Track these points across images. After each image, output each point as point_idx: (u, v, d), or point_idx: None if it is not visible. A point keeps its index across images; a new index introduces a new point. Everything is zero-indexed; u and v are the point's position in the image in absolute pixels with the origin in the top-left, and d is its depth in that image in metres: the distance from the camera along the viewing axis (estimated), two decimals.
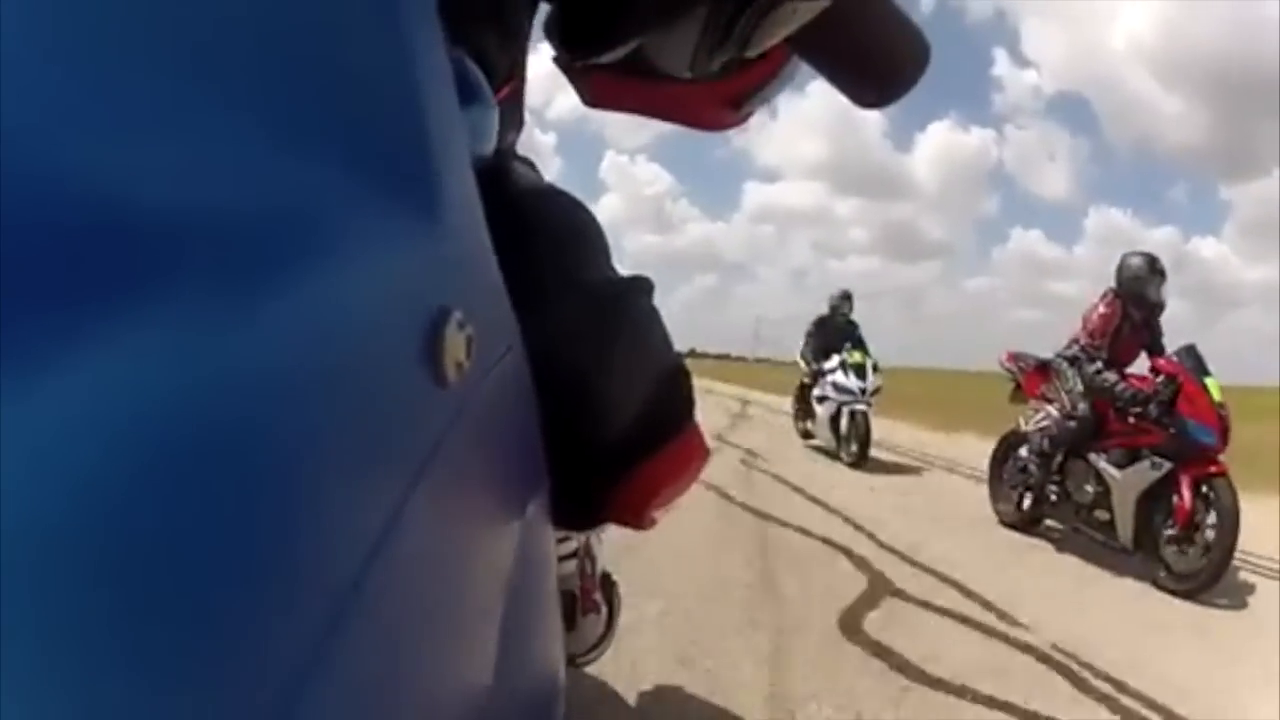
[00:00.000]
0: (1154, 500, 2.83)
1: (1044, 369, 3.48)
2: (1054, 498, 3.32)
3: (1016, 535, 3.44)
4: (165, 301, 0.12)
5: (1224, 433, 2.76)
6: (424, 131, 0.23)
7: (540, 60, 0.49)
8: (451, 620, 0.24)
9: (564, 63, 0.44)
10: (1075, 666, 1.96)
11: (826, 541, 3.14)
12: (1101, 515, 3.05)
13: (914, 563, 2.86)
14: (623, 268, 0.52)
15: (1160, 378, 2.94)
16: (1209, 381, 2.85)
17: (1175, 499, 2.75)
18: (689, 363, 0.56)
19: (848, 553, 2.98)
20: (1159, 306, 3.19)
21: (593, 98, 0.48)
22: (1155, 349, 3.17)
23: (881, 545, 3.12)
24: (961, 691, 1.79)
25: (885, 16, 0.42)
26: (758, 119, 0.52)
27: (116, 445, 0.11)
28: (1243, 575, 2.84)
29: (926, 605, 2.41)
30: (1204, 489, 2.70)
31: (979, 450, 4.54)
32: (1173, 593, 2.65)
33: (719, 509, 3.66)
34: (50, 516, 0.10)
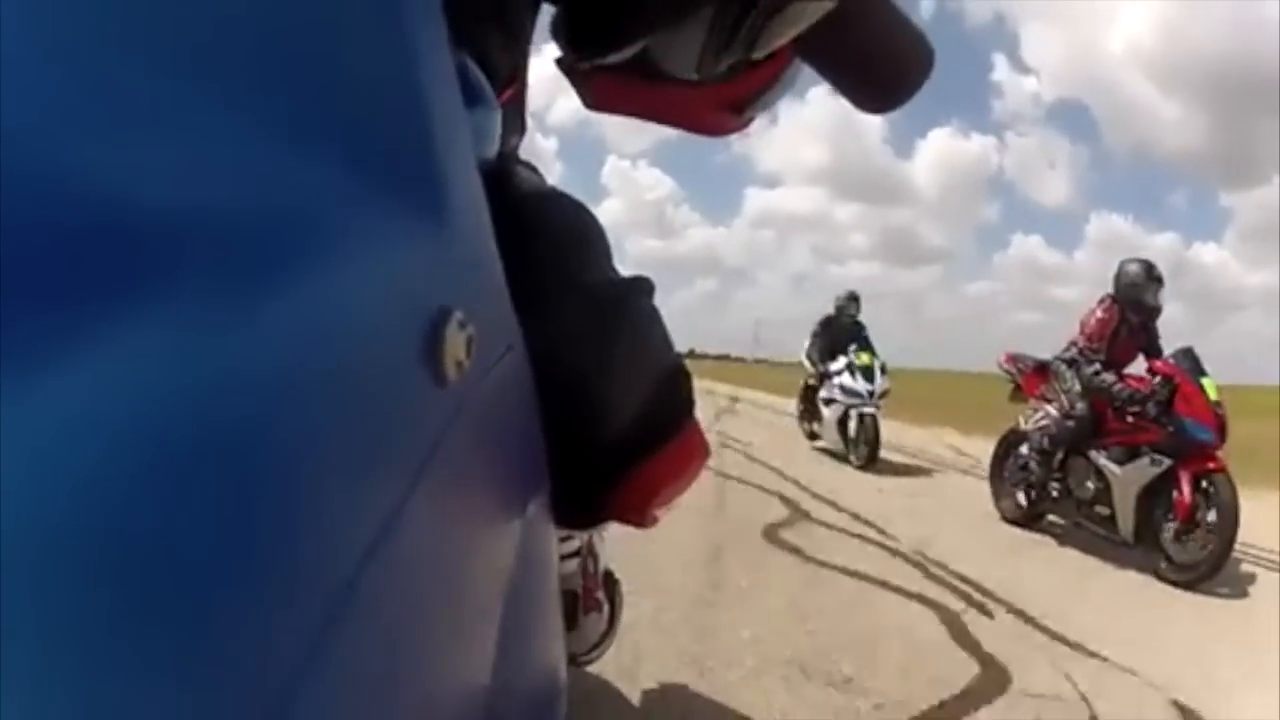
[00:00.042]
0: (1154, 495, 2.89)
1: (1042, 370, 3.52)
2: (1055, 494, 3.36)
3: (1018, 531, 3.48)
4: (165, 301, 0.12)
5: (1221, 430, 2.82)
6: (428, 132, 0.23)
7: (541, 64, 0.50)
8: (451, 620, 0.24)
9: (567, 64, 0.44)
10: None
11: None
12: (1102, 510, 3.09)
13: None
14: (625, 271, 0.52)
15: (1157, 378, 2.99)
16: (1205, 381, 2.90)
17: (1175, 494, 2.81)
18: (688, 363, 0.56)
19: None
20: (1156, 311, 3.23)
21: (595, 100, 0.48)
22: (1152, 353, 3.21)
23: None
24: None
25: (890, 21, 0.42)
26: (759, 124, 0.52)
27: (116, 445, 0.11)
28: (1244, 566, 2.89)
29: None
30: (1203, 484, 2.75)
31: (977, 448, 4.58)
32: (1174, 583, 2.71)
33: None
34: (50, 516, 0.10)
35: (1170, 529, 2.79)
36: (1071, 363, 3.27)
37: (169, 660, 0.11)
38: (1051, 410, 3.35)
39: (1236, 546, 2.70)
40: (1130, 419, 3.05)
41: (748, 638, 2.02)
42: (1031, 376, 3.58)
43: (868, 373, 5.40)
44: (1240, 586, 2.72)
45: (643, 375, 0.48)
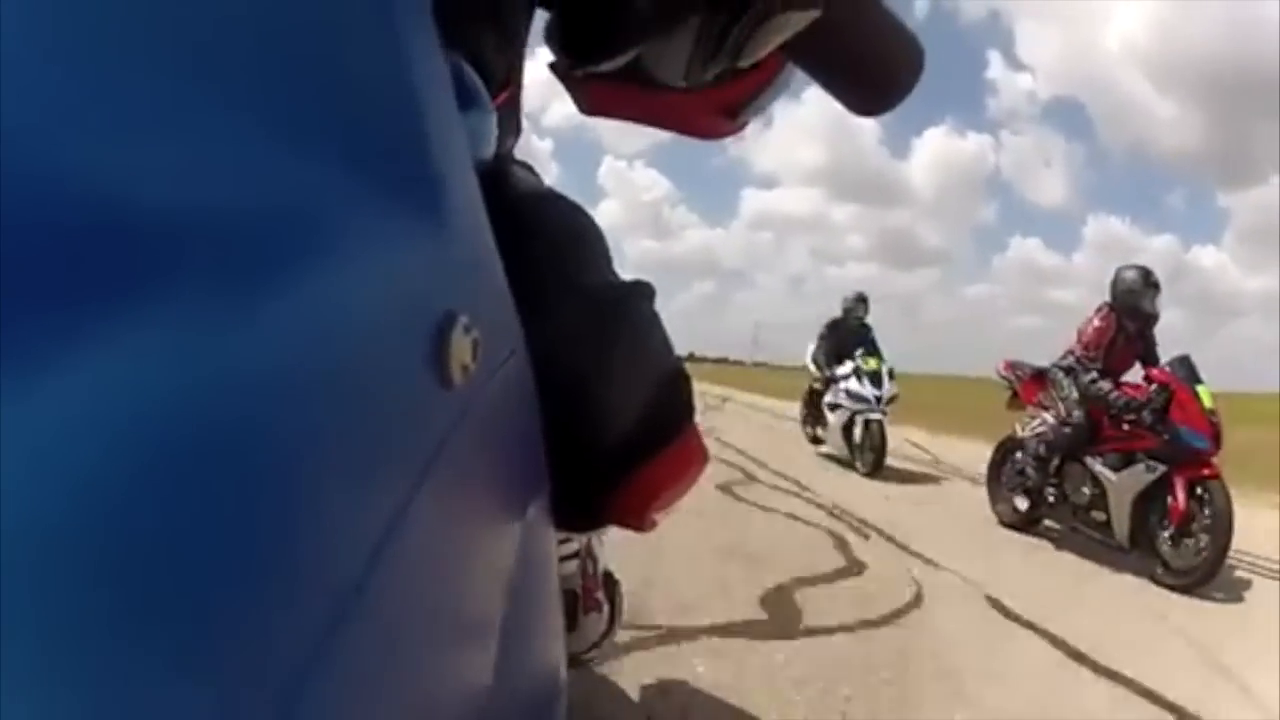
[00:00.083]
0: (1149, 501, 2.90)
1: (1040, 378, 3.55)
2: (1051, 499, 3.38)
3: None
4: (165, 301, 0.12)
5: (1216, 438, 2.84)
6: (423, 134, 0.23)
7: (537, 66, 0.50)
8: (453, 620, 0.24)
9: (562, 70, 0.45)
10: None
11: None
12: (1098, 515, 3.11)
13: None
14: (623, 273, 0.52)
15: (1154, 386, 3.01)
16: (1200, 389, 2.92)
17: (1170, 500, 2.82)
18: (687, 366, 0.56)
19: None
20: (1153, 318, 3.24)
21: (589, 105, 0.48)
22: (1150, 359, 3.22)
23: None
24: None
25: (879, 24, 0.43)
26: (754, 126, 0.52)
27: (116, 445, 0.11)
28: (1238, 573, 2.90)
29: None
30: (1198, 490, 2.77)
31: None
32: (1170, 587, 2.72)
33: None
34: (50, 516, 0.10)
35: (1165, 534, 2.81)
36: (1069, 370, 3.29)
37: (171, 661, 0.11)
38: (1049, 417, 3.38)
39: (1230, 553, 2.71)
40: (1126, 426, 3.07)
41: None
42: (1029, 384, 3.61)
43: (875, 378, 5.20)
44: (1235, 592, 2.73)
45: (642, 378, 0.48)
